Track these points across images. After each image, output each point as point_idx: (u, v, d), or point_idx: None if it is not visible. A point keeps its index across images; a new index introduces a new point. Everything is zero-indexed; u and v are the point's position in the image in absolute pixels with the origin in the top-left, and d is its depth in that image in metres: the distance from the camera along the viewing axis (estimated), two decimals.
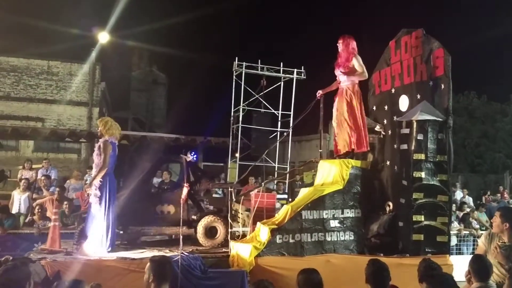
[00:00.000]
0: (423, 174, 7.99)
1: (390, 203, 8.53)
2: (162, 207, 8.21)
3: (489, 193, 18.04)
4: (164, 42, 35.21)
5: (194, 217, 8.46)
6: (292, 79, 18.98)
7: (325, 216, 7.87)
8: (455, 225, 12.93)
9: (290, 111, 18.51)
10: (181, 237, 7.22)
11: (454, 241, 12.18)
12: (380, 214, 8.87)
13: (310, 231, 7.74)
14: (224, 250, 7.82)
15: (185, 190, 8.09)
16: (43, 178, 12.56)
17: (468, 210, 14.13)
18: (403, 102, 8.86)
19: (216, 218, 8.19)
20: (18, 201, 11.63)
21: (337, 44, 8.56)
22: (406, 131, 8.19)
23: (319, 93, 8.80)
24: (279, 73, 19.07)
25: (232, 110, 19.56)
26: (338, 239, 7.95)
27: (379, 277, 4.65)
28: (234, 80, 19.41)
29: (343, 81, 8.53)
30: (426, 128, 8.00)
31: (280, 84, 19.25)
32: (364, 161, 8.77)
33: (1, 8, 22.20)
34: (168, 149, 20.97)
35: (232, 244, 7.66)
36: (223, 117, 21.42)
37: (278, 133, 19.11)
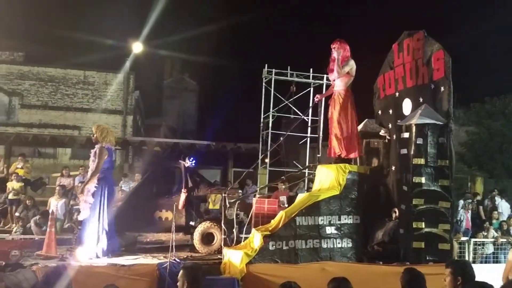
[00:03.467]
0: (423, 180, 7.74)
1: (396, 210, 8.32)
2: (160, 213, 8.27)
3: None
4: (195, 50, 35.65)
5: (192, 223, 8.50)
6: (322, 84, 18.83)
7: (320, 223, 7.74)
8: (492, 233, 12.53)
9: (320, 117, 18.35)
10: (173, 243, 7.27)
11: (491, 249, 11.81)
12: (385, 221, 8.66)
13: (304, 237, 7.62)
14: (219, 257, 7.80)
15: (182, 196, 8.16)
16: (79, 185, 12.91)
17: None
18: (407, 106, 8.64)
19: (213, 224, 8.19)
20: (55, 207, 12.04)
21: (332, 48, 8.42)
22: (406, 135, 7.97)
23: (317, 97, 8.71)
24: (309, 79, 18.98)
25: (262, 116, 19.59)
26: (335, 246, 7.80)
27: (415, 286, 4.57)
28: (263, 86, 19.48)
29: (337, 86, 8.40)
30: (426, 132, 7.76)
31: (310, 90, 19.16)
32: (362, 166, 8.59)
33: (39, 20, 23.13)
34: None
35: (225, 250, 7.64)
36: (253, 123, 21.49)
37: (308, 138, 19.03)
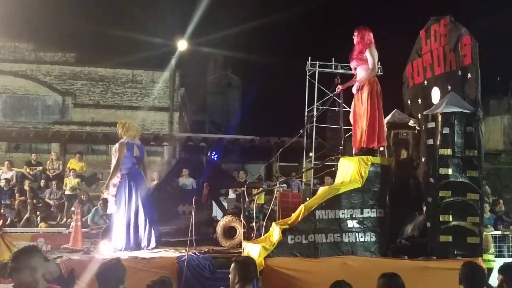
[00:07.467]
0: (450, 171, 7.41)
1: None
2: (183, 207, 8.35)
3: None
4: (238, 46, 35.79)
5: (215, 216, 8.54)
6: None
7: (341, 216, 7.51)
8: None
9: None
10: (192, 237, 7.31)
11: None
12: (415, 215, 8.39)
13: (325, 231, 7.41)
14: (239, 250, 7.77)
15: (205, 190, 8.21)
16: None
17: None
18: (435, 94, 8.32)
19: (235, 218, 8.18)
20: None
21: (353, 37, 8.19)
22: (432, 125, 7.67)
23: (339, 88, 8.52)
24: None
25: (306, 110, 19.42)
26: (357, 240, 7.57)
27: (473, 280, 4.43)
28: (307, 79, 19.29)
29: (359, 74, 8.15)
30: (453, 121, 7.42)
31: None
32: (386, 158, 8.32)
33: (87, 21, 23.85)
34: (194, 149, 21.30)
35: (244, 244, 7.61)
36: (297, 117, 21.30)
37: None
